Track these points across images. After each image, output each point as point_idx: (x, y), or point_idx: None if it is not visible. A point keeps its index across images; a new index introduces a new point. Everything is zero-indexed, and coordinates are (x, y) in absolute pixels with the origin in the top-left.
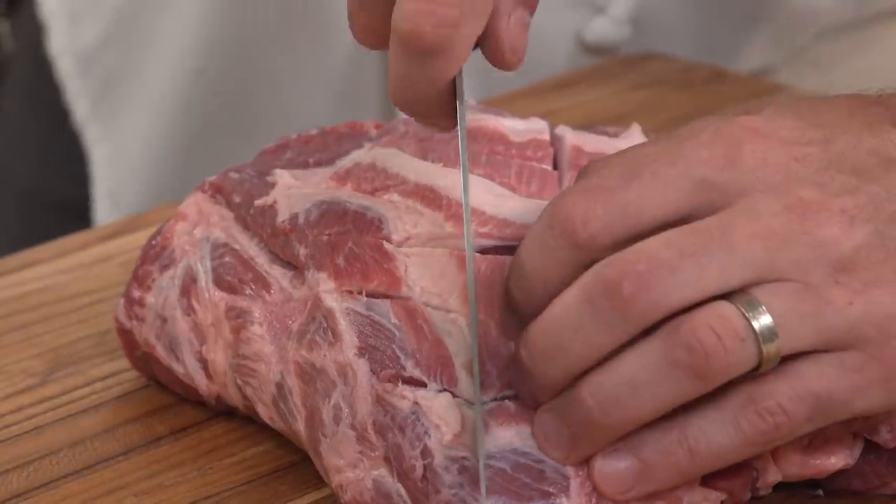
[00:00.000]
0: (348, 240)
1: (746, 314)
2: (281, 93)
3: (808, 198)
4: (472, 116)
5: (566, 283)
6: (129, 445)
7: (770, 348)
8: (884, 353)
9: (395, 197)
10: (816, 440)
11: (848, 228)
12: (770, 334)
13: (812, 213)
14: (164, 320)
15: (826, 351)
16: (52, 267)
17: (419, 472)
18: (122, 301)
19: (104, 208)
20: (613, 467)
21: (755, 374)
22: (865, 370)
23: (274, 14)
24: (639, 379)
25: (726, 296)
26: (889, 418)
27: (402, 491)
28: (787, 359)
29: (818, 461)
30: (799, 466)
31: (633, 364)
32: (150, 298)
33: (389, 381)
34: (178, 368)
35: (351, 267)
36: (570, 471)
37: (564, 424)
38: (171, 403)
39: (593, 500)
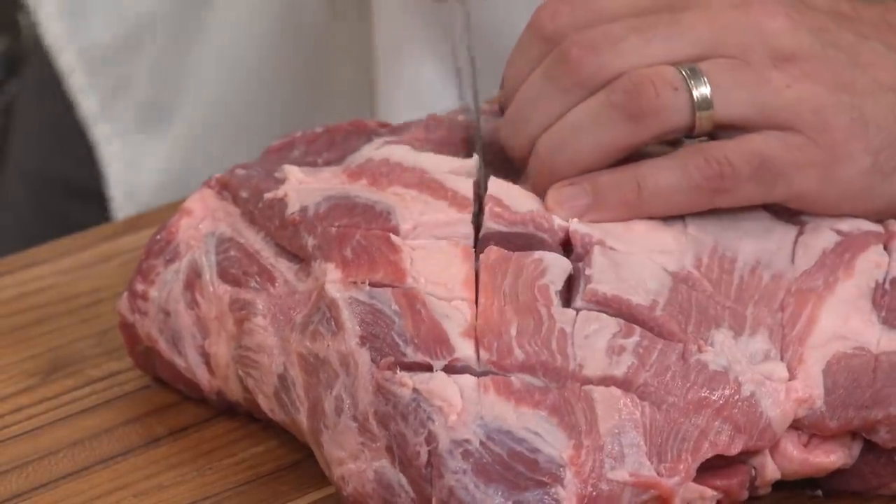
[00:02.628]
0: (356, 231)
1: (684, 73)
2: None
3: (759, 2)
4: None
5: None
6: (128, 446)
7: (705, 109)
8: (823, 139)
9: (401, 189)
10: (815, 439)
11: (792, 29)
12: (706, 97)
13: (760, 8)
14: (167, 314)
15: (768, 129)
16: (53, 267)
17: (423, 458)
18: (125, 295)
19: (124, 210)
20: (567, 192)
21: (695, 136)
22: (806, 150)
23: (249, 13)
24: (581, 123)
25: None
26: (888, 419)
27: (404, 480)
28: (733, 134)
29: (817, 460)
30: (798, 465)
31: (578, 113)
32: (153, 292)
33: (389, 369)
34: (179, 363)
35: (358, 258)
36: (564, 460)
37: (530, 183)
38: (171, 404)
39: (588, 489)
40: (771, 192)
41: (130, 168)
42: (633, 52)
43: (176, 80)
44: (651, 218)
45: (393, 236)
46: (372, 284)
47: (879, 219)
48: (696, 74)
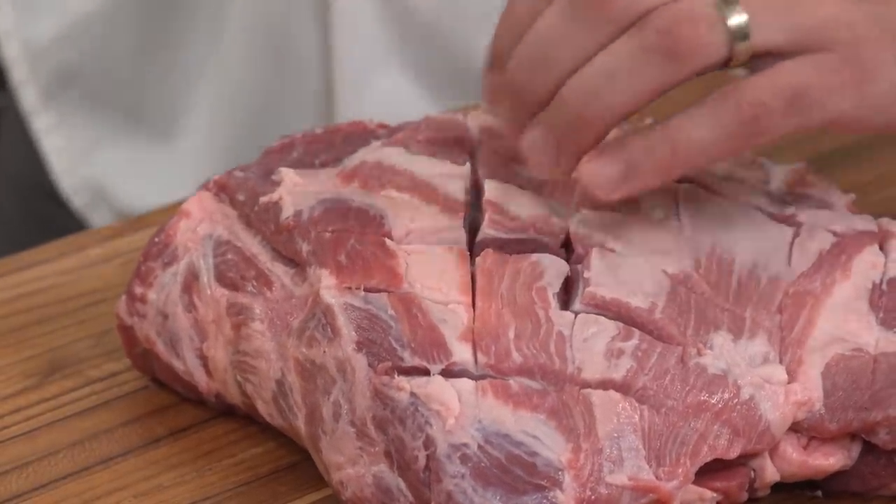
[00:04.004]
0: (351, 237)
1: (719, 7)
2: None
3: None
4: None
5: None
6: (127, 446)
7: (742, 39)
8: (858, 56)
9: (394, 193)
10: (814, 441)
11: None
12: (743, 25)
13: None
14: (165, 317)
15: (801, 54)
16: (52, 268)
17: (421, 462)
18: (123, 297)
19: (84, 201)
20: (599, 169)
21: (731, 68)
22: (840, 71)
23: (205, 14)
24: (615, 67)
25: None
26: (887, 420)
27: (403, 485)
28: (766, 63)
29: (816, 462)
30: (797, 467)
31: (611, 55)
32: (151, 295)
33: (386, 374)
34: (178, 365)
35: (353, 264)
36: (563, 464)
37: (550, 132)
38: (170, 404)
39: (587, 492)
40: (807, 121)
41: (80, 162)
42: None
43: (130, 80)
44: (648, 219)
45: (388, 241)
46: (367, 290)
47: None
48: (730, 5)
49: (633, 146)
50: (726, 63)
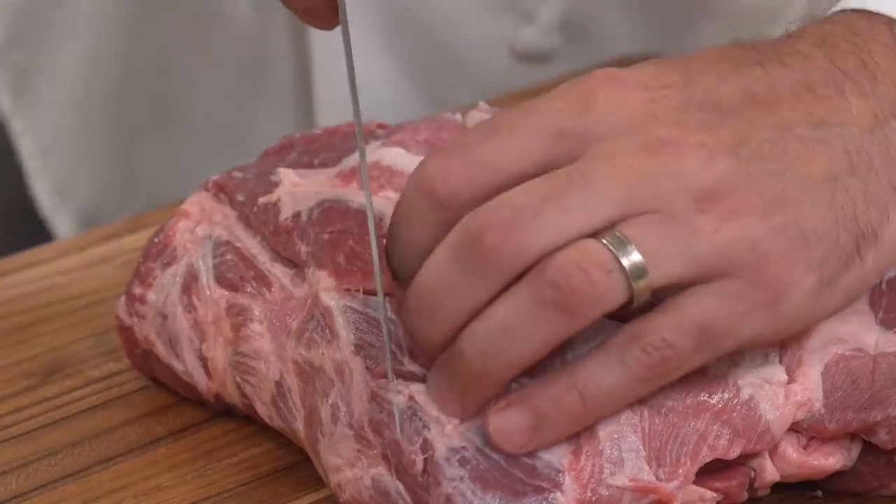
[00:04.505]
0: (349, 238)
1: (612, 248)
2: (198, 88)
3: (665, 136)
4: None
5: (435, 245)
6: (127, 446)
7: (641, 280)
8: (762, 278)
9: (391, 193)
10: (814, 441)
11: (707, 161)
12: (639, 265)
13: (669, 149)
14: (164, 317)
15: (704, 283)
16: (52, 267)
17: (419, 466)
18: (122, 298)
19: (50, 204)
20: (507, 423)
21: (631, 309)
22: (746, 296)
23: (179, 12)
24: (511, 323)
25: (592, 236)
26: (887, 420)
27: (401, 487)
28: (667, 295)
29: (816, 462)
30: (797, 467)
31: (505, 309)
32: (151, 295)
33: (384, 377)
34: (177, 366)
35: (352, 265)
36: (563, 466)
37: (452, 379)
38: (170, 404)
39: (588, 494)
40: (719, 351)
41: (52, 166)
42: (551, 228)
43: (101, 77)
44: None
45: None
46: (366, 292)
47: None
48: (622, 244)
49: (541, 398)
50: (628, 305)
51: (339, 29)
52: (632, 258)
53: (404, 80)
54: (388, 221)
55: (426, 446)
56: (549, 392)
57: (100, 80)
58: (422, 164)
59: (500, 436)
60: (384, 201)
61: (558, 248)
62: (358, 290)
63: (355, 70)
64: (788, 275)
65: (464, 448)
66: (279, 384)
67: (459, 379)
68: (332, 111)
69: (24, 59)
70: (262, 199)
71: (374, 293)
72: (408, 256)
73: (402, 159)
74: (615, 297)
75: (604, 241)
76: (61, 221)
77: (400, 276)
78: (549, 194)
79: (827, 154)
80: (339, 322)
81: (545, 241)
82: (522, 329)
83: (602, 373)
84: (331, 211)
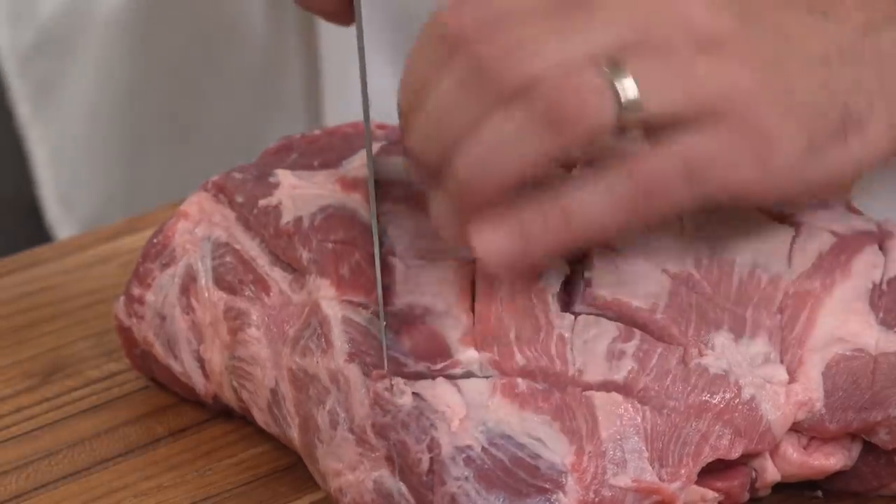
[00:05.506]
0: (354, 251)
1: (608, 74)
2: (209, 96)
3: None
4: None
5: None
6: (128, 446)
7: (631, 107)
8: (755, 125)
9: (391, 206)
10: (815, 441)
11: (713, 11)
12: (632, 93)
13: None
14: (163, 318)
15: (697, 124)
16: (52, 268)
17: (425, 465)
18: (121, 298)
19: (56, 213)
20: (493, 238)
21: (624, 138)
22: (737, 141)
23: (191, 21)
24: (501, 137)
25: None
26: (888, 420)
27: (404, 489)
28: (662, 133)
29: (817, 462)
30: (797, 467)
31: (498, 125)
32: (149, 296)
33: (384, 379)
34: (175, 367)
35: (355, 278)
36: (566, 467)
37: (448, 199)
38: (170, 404)
39: (590, 495)
40: (707, 192)
41: (62, 173)
42: (551, 53)
43: (115, 88)
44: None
45: (390, 257)
46: (367, 306)
47: (811, 198)
48: (619, 72)
49: (527, 216)
50: (618, 132)
51: (348, 37)
52: (624, 84)
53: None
54: (391, 235)
55: (433, 445)
56: (536, 210)
57: (112, 90)
58: (439, 6)
59: (486, 252)
60: (388, 214)
61: (556, 71)
62: (358, 303)
63: (355, 86)
64: (778, 129)
65: (469, 447)
66: (274, 391)
67: (454, 197)
68: (340, 117)
69: (47, 68)
70: (262, 202)
71: (374, 308)
72: (416, 87)
73: (402, 169)
74: (603, 117)
75: (600, 66)
76: (64, 231)
77: (407, 107)
78: (553, 21)
79: (823, 39)
80: (335, 332)
81: (544, 64)
82: (510, 143)
83: (591, 197)
84: (334, 218)
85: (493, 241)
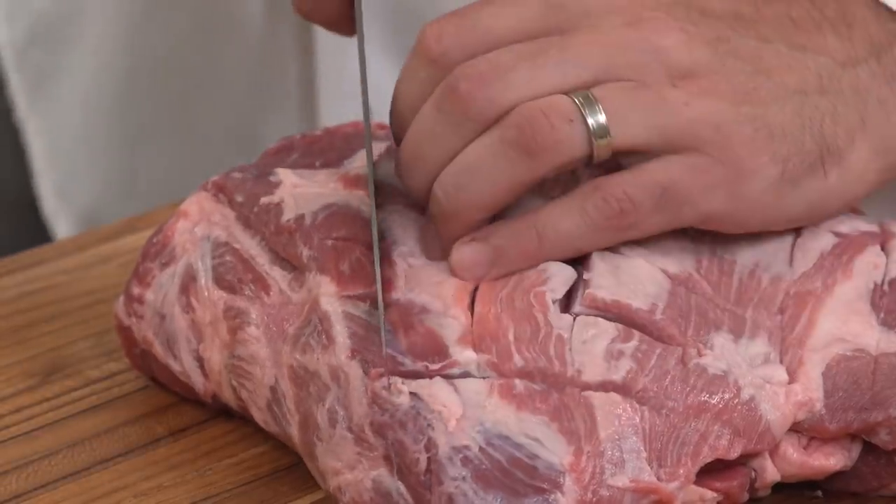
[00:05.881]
0: (355, 248)
1: (577, 102)
2: (205, 91)
3: (651, 16)
4: None
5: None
6: (128, 446)
7: (602, 138)
8: (727, 156)
9: (399, 207)
10: (814, 441)
11: (686, 44)
12: (602, 124)
13: (650, 25)
14: (162, 317)
15: (671, 152)
16: (52, 268)
17: (422, 465)
18: (121, 298)
19: (52, 205)
20: (468, 255)
21: (595, 166)
22: (709, 170)
23: (188, 15)
24: (477, 163)
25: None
26: (888, 421)
27: (402, 488)
28: (634, 160)
29: (816, 462)
30: (797, 467)
31: (473, 152)
32: (149, 295)
33: (383, 377)
34: (175, 366)
35: (355, 275)
36: (564, 467)
37: (433, 225)
38: (170, 404)
39: (588, 495)
40: (678, 218)
41: (59, 166)
42: (524, 83)
43: (111, 80)
44: None
45: (392, 255)
46: (366, 300)
47: (794, 227)
48: (590, 102)
49: (501, 233)
50: (589, 160)
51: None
52: (596, 115)
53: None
54: (390, 232)
55: (430, 445)
56: (509, 228)
57: (108, 82)
58: (423, 26)
59: (459, 265)
60: (392, 215)
61: (528, 100)
62: (359, 299)
63: (351, 81)
64: (752, 159)
65: (466, 447)
66: (274, 389)
67: (435, 220)
68: (336, 115)
69: (43, 60)
70: (263, 200)
71: (374, 303)
72: (403, 111)
73: None
74: (575, 147)
75: (572, 96)
76: (61, 223)
77: (397, 130)
78: (528, 54)
79: (800, 71)
80: (337, 328)
81: (517, 94)
82: (485, 169)
83: (561, 216)
84: (336, 216)
85: (467, 254)
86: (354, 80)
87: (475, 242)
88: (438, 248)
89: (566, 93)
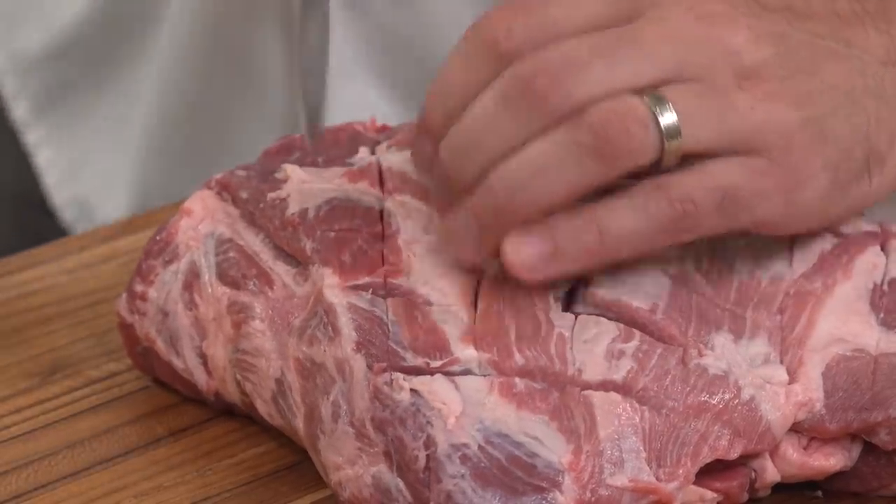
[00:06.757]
0: (357, 236)
1: (651, 106)
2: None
3: (719, 10)
4: None
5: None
6: (128, 447)
7: (673, 140)
8: (787, 161)
9: (406, 198)
10: (814, 442)
11: (754, 42)
12: (674, 127)
13: (721, 22)
14: (165, 314)
15: (733, 154)
16: (53, 268)
17: (421, 462)
18: (124, 295)
19: (73, 215)
20: (525, 245)
21: (661, 168)
22: (769, 175)
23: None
24: (544, 162)
25: (635, 93)
26: (888, 421)
27: (402, 485)
28: (697, 160)
29: (817, 462)
30: (797, 467)
31: (540, 149)
32: (152, 292)
33: (385, 372)
34: (177, 363)
35: (357, 263)
36: (563, 466)
37: (474, 216)
38: (171, 404)
39: (587, 494)
40: (735, 222)
41: (70, 175)
42: (599, 80)
43: (114, 89)
44: None
45: (397, 240)
46: (370, 290)
47: (831, 227)
48: (662, 105)
49: (561, 228)
50: (658, 163)
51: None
52: (668, 118)
53: (396, 105)
54: (395, 220)
55: (429, 442)
56: (570, 223)
57: (117, 94)
58: (486, 15)
59: (514, 255)
60: (398, 204)
61: (602, 99)
62: (362, 288)
63: (348, 98)
64: (808, 166)
65: (465, 445)
66: (280, 381)
67: (483, 215)
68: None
69: (62, 74)
70: (270, 195)
71: (379, 291)
72: (454, 98)
73: (409, 166)
74: (647, 152)
75: (645, 98)
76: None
77: (445, 113)
78: (601, 49)
79: (849, 70)
80: (342, 320)
81: (591, 91)
82: (553, 168)
83: (625, 215)
84: (338, 209)
85: (524, 248)
86: (338, 99)
87: (533, 236)
88: (474, 245)
89: (638, 91)
